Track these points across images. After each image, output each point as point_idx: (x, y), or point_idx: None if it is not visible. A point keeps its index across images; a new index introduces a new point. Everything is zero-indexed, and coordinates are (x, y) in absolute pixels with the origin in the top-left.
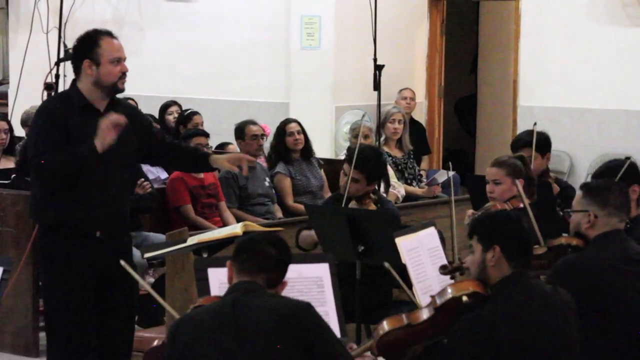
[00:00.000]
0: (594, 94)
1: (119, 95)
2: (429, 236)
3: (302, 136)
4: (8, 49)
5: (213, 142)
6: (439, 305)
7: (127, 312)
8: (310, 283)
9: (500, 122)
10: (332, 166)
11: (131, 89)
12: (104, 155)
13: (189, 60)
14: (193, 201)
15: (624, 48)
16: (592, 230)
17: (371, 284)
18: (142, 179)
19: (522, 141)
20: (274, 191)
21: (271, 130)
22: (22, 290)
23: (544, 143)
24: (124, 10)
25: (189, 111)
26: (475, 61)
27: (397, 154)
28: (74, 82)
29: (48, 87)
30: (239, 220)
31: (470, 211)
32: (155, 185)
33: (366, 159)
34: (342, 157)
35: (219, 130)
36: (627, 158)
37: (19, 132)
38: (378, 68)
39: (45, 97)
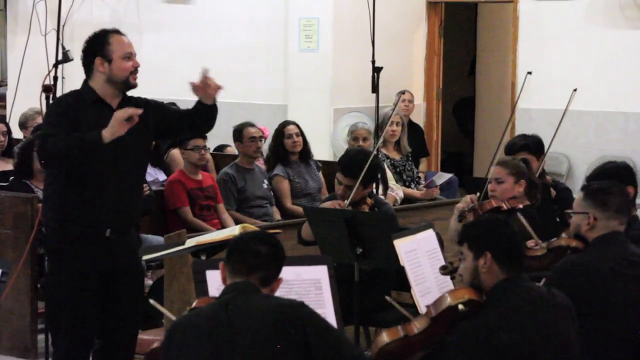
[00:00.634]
0: (592, 97)
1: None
2: (427, 238)
3: (300, 138)
4: (6, 51)
5: (211, 144)
6: (435, 316)
7: (132, 313)
8: (309, 285)
9: (498, 124)
10: (330, 168)
11: (130, 91)
12: (115, 152)
13: (187, 63)
14: (191, 203)
15: (621, 50)
16: (591, 232)
17: (369, 286)
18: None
19: (517, 145)
20: (272, 193)
21: (270, 132)
22: (20, 293)
23: (537, 147)
24: (122, 13)
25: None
26: (473, 63)
27: (396, 156)
28: (86, 81)
29: (46, 89)
30: (237, 222)
31: (461, 203)
32: (154, 187)
33: (356, 165)
34: None
35: (217, 132)
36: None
37: (17, 134)
38: (376, 70)
39: (43, 99)
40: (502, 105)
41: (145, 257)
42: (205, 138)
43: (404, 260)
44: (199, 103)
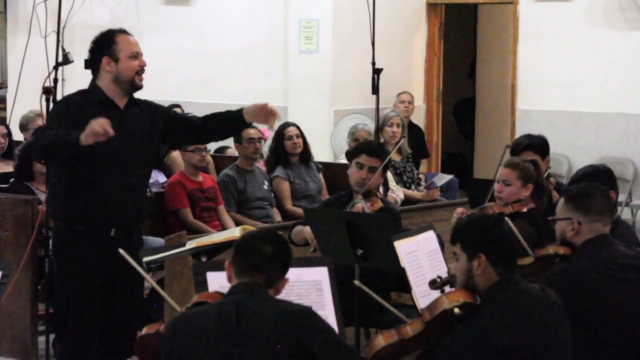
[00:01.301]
0: (592, 98)
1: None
2: (428, 239)
3: (300, 140)
4: (6, 53)
5: (212, 146)
6: (430, 320)
7: (131, 314)
8: (309, 287)
9: (498, 125)
10: (330, 170)
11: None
12: (123, 153)
13: (187, 64)
14: (191, 205)
15: (622, 52)
16: (577, 237)
17: (370, 287)
18: None
19: (523, 145)
20: (272, 195)
21: (269, 134)
22: (20, 295)
23: (543, 146)
24: (122, 15)
25: (188, 115)
26: (473, 65)
27: (396, 157)
28: (93, 81)
29: (46, 91)
30: (237, 224)
31: (460, 209)
32: (154, 189)
33: (381, 148)
34: (342, 160)
35: None
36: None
37: (18, 136)
38: (376, 72)
39: (43, 102)
40: (502, 106)
41: (145, 259)
42: None
43: (404, 261)
44: (240, 118)
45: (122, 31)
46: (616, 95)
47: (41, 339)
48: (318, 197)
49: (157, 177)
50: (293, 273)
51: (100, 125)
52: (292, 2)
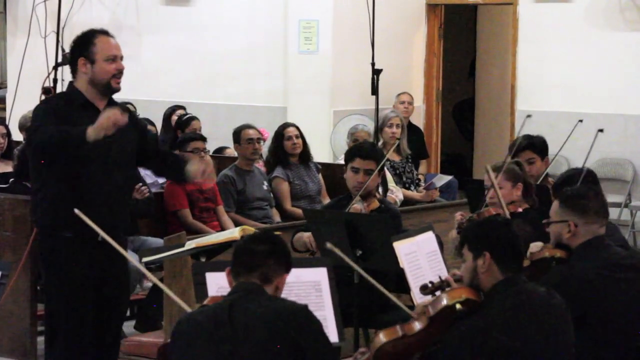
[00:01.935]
0: (592, 99)
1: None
2: (427, 240)
3: (300, 140)
4: (6, 53)
5: (211, 146)
6: (433, 315)
7: (118, 317)
8: (309, 287)
9: (498, 126)
10: (330, 170)
11: (129, 94)
12: (106, 156)
13: (186, 65)
14: (191, 205)
15: (621, 52)
16: (573, 239)
17: (369, 287)
18: (140, 184)
19: (523, 144)
20: (272, 195)
21: (269, 134)
22: (20, 295)
23: (542, 146)
24: (121, 15)
25: (188, 116)
26: (473, 65)
27: (395, 158)
28: (71, 83)
29: (46, 91)
30: (237, 224)
31: (458, 214)
32: (153, 190)
33: (374, 149)
34: (341, 161)
35: (216, 135)
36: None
37: (17, 136)
38: (376, 72)
39: (41, 102)
40: (502, 107)
41: (145, 259)
42: (204, 140)
43: (403, 262)
44: (182, 174)
45: (103, 32)
46: (616, 97)
47: (40, 339)
48: (317, 197)
49: (157, 177)
50: (292, 273)
51: (107, 118)
52: (291, 3)
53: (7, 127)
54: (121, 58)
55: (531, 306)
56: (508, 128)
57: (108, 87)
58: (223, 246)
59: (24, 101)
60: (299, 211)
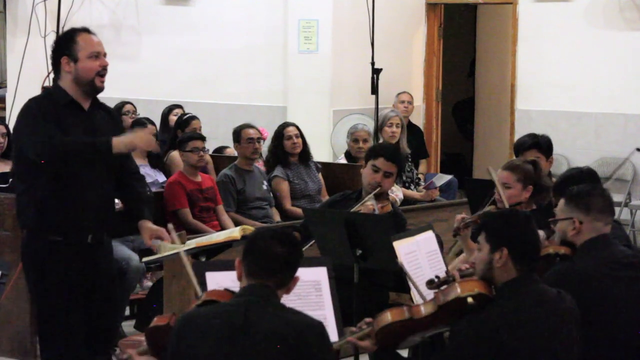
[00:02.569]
0: (592, 98)
1: (100, 97)
2: (427, 240)
3: (300, 140)
4: (6, 53)
5: (211, 146)
6: (443, 303)
7: (111, 314)
8: (309, 287)
9: (498, 125)
10: (330, 170)
11: (128, 93)
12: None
13: (186, 64)
14: (191, 205)
15: (621, 52)
16: (578, 236)
17: (369, 286)
18: None
19: (528, 144)
20: (271, 195)
21: (269, 133)
22: (20, 294)
23: (547, 146)
24: (121, 15)
25: (188, 115)
26: (473, 65)
27: None
28: (55, 81)
29: (46, 90)
30: (236, 224)
31: (459, 216)
32: (153, 189)
33: (398, 153)
34: (341, 160)
35: (216, 134)
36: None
37: None
38: (376, 72)
39: (27, 102)
40: (502, 106)
41: (145, 259)
42: (204, 139)
43: (403, 261)
44: (137, 217)
45: (85, 30)
46: (615, 96)
47: None
48: (317, 197)
49: (157, 177)
50: None
51: (142, 140)
52: (291, 2)
53: (7, 126)
54: (104, 55)
55: (541, 308)
56: (508, 127)
57: (92, 85)
58: (223, 246)
59: (23, 100)
60: (298, 210)
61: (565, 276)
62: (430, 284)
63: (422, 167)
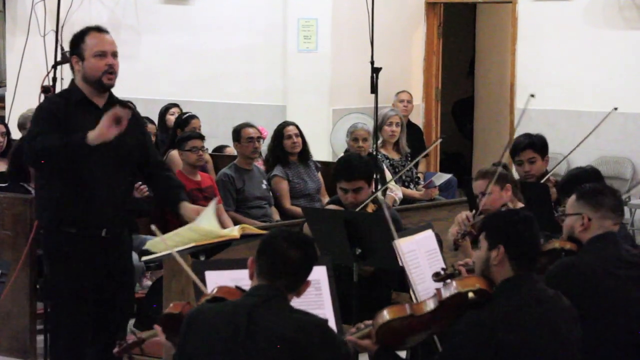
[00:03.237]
0: (591, 97)
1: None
2: (427, 239)
3: (299, 139)
4: (5, 52)
5: (210, 145)
6: (444, 299)
7: (124, 308)
8: None
9: (497, 124)
10: (329, 169)
11: (128, 92)
12: (107, 151)
13: (186, 64)
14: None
15: (620, 51)
16: (585, 233)
17: (369, 285)
18: (139, 182)
19: (523, 144)
20: (271, 194)
21: (268, 133)
22: (19, 294)
23: (542, 145)
24: (120, 14)
25: (187, 115)
26: (472, 64)
27: (395, 156)
28: (72, 80)
29: (45, 90)
30: (236, 223)
31: (464, 213)
32: None
33: (355, 166)
34: None
35: (216, 133)
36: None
37: (16, 135)
38: (375, 71)
39: (42, 100)
40: (501, 105)
41: (144, 258)
42: (203, 139)
43: (403, 261)
44: (175, 203)
45: (95, 29)
46: (615, 95)
47: (40, 337)
48: (317, 196)
49: None
50: None
51: (111, 118)
52: (290, 1)
53: (6, 125)
54: (114, 54)
55: (539, 307)
56: (507, 126)
57: (100, 83)
58: (222, 245)
59: (23, 100)
60: (298, 210)
61: (569, 270)
62: (436, 276)
63: (422, 166)
